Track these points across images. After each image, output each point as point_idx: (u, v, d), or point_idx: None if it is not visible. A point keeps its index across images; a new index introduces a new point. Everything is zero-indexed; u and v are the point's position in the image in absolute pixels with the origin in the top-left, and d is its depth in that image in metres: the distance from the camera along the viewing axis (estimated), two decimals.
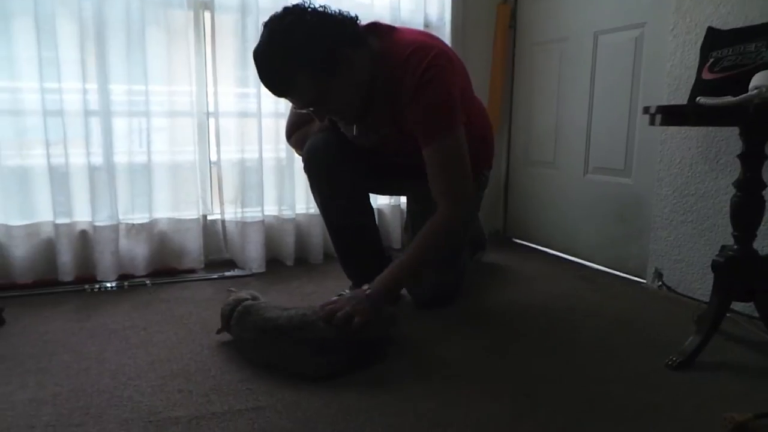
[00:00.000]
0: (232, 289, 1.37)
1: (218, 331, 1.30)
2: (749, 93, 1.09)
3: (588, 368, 1.21)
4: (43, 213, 1.77)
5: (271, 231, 2.05)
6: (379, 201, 2.21)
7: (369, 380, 1.14)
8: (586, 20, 2.07)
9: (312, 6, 1.23)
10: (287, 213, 2.05)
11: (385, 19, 2.04)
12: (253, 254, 1.97)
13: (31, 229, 1.76)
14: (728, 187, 1.47)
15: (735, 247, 1.23)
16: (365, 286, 1.27)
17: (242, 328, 1.23)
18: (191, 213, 1.95)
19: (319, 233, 2.08)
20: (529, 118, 2.41)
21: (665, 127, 1.71)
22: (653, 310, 1.60)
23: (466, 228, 1.45)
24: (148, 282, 1.82)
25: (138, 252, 1.87)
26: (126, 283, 1.80)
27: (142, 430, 0.95)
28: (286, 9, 1.23)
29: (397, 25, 1.42)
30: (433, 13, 2.27)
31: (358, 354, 1.18)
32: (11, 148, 1.72)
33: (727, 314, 1.28)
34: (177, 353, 1.27)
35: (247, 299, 1.29)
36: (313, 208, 2.01)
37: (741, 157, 1.20)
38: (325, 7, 1.25)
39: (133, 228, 1.86)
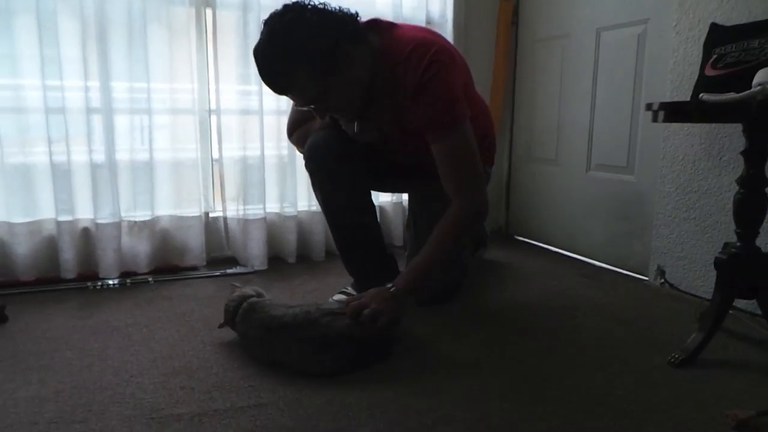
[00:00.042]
0: (237, 284, 1.37)
1: (220, 326, 1.31)
2: (752, 89, 1.08)
3: (590, 365, 1.21)
4: (46, 210, 1.77)
5: (273, 228, 2.05)
6: (381, 198, 2.21)
7: (371, 377, 1.14)
8: (588, 17, 2.07)
9: (312, 3, 1.23)
10: (289, 210, 2.05)
11: (387, 16, 2.04)
12: (255, 251, 1.97)
13: (34, 227, 1.77)
14: (731, 184, 1.46)
15: (738, 244, 1.22)
16: (388, 285, 1.27)
17: (247, 325, 1.23)
18: (193, 210, 1.95)
19: (321, 230, 2.08)
20: (531, 115, 2.41)
21: (668, 124, 1.70)
22: (655, 307, 1.60)
23: (482, 221, 1.45)
24: (150, 279, 1.83)
25: (140, 249, 1.87)
26: (128, 281, 1.80)
27: (145, 427, 0.95)
28: (286, 6, 1.23)
29: (398, 22, 1.41)
30: (435, 10, 2.26)
31: (362, 352, 1.18)
32: (14, 146, 1.72)
33: (730, 311, 1.27)
34: (179, 350, 1.27)
35: (252, 296, 1.29)
36: (315, 206, 2.01)
37: (744, 153, 1.20)
38: (325, 4, 1.25)
39: (135, 225, 1.87)
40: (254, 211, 1.98)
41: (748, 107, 1.09)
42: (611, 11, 1.97)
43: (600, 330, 1.42)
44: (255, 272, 1.94)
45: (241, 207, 1.99)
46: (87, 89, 1.74)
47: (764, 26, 1.33)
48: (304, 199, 2.09)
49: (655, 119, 1.20)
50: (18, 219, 1.74)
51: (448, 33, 2.25)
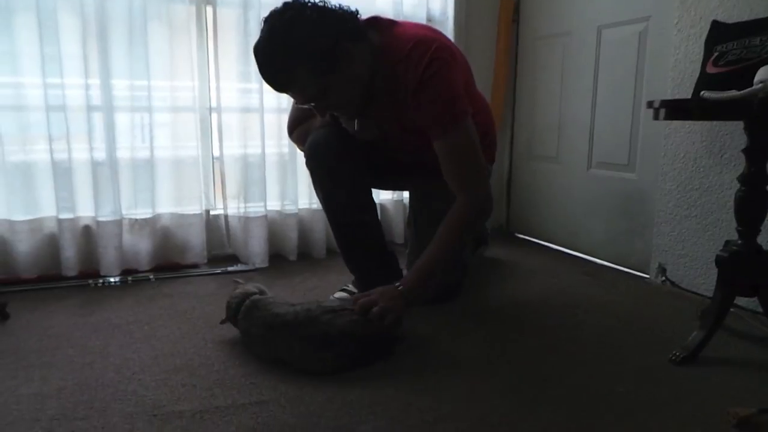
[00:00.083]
0: (239, 280, 1.37)
1: (222, 322, 1.31)
2: (754, 87, 1.08)
3: (591, 363, 1.21)
4: (47, 208, 1.77)
5: (273, 226, 2.05)
6: (381, 196, 2.21)
7: (372, 375, 1.14)
8: (589, 14, 2.06)
9: (312, 1, 1.23)
10: (290, 208, 2.05)
11: (388, 13, 2.04)
12: (256, 249, 1.97)
13: (35, 225, 1.77)
14: (732, 182, 1.46)
15: (739, 242, 1.22)
16: (396, 284, 1.28)
17: (250, 323, 1.23)
18: (194, 208, 1.95)
19: (321, 228, 2.08)
20: (532, 112, 2.40)
21: (669, 122, 1.70)
22: (656, 305, 1.60)
23: (487, 218, 1.45)
24: (151, 277, 1.83)
25: (141, 247, 1.88)
26: (129, 278, 1.80)
27: (147, 424, 0.96)
28: (286, 4, 1.23)
29: (399, 19, 1.41)
30: (436, 8, 2.26)
31: (364, 350, 1.18)
32: (14, 144, 1.72)
33: (731, 309, 1.27)
34: (180, 348, 1.27)
35: (254, 293, 1.29)
36: (316, 203, 2.01)
37: (745, 151, 1.20)
38: (325, 2, 1.24)
39: (136, 223, 1.87)
40: (255, 208, 1.98)
41: (750, 105, 1.08)
42: (612, 9, 1.97)
43: (601, 328, 1.42)
44: (256, 270, 1.94)
45: (242, 205, 1.99)
46: (88, 87, 1.74)
47: (766, 23, 1.32)
48: (305, 197, 2.09)
49: (656, 117, 1.20)
50: (19, 217, 1.74)
51: (448, 30, 2.24)
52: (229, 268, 1.94)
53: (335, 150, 1.46)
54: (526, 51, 2.42)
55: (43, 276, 1.78)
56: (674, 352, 1.22)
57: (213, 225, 2.05)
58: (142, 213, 1.87)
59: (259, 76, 1.26)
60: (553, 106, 2.26)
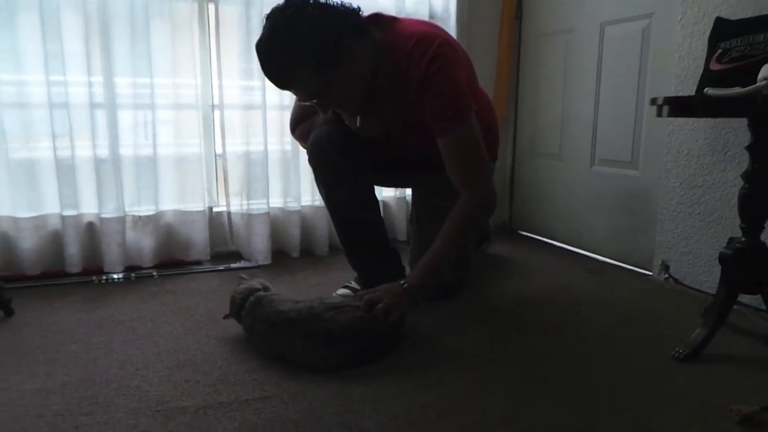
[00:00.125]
0: (244, 276, 1.37)
1: (225, 317, 1.31)
2: (758, 84, 1.08)
3: (593, 360, 1.21)
4: (50, 205, 1.78)
5: (276, 223, 2.05)
6: (384, 193, 2.21)
7: (374, 372, 1.14)
8: (592, 11, 2.06)
9: None
10: (293, 205, 2.05)
11: (390, 10, 2.03)
12: (259, 246, 1.98)
13: (39, 221, 1.78)
14: (736, 179, 1.46)
15: (742, 239, 1.22)
16: (401, 281, 1.28)
17: (254, 319, 1.24)
18: (197, 205, 1.95)
19: (324, 225, 2.09)
20: (534, 109, 2.40)
21: (672, 119, 1.69)
22: (660, 302, 1.59)
23: (491, 214, 1.45)
24: (154, 273, 1.83)
25: (144, 244, 1.88)
26: (133, 275, 1.81)
27: (150, 420, 0.96)
28: (287, 1, 1.22)
29: (401, 16, 1.41)
30: (438, 4, 2.26)
31: (368, 347, 1.19)
32: (18, 141, 1.73)
33: (734, 307, 1.27)
34: (184, 344, 1.28)
35: (258, 289, 1.30)
36: (319, 200, 2.01)
37: (749, 148, 1.19)
38: None
39: (139, 220, 1.87)
40: (258, 205, 1.99)
41: (754, 102, 1.08)
42: (615, 5, 1.96)
43: (604, 325, 1.42)
44: (259, 267, 1.95)
45: (244, 202, 1.99)
46: (90, 84, 1.75)
47: None
48: (307, 194, 2.09)
49: (659, 114, 1.19)
50: (23, 214, 1.75)
51: (451, 27, 2.24)
52: (232, 265, 1.94)
53: (338, 147, 1.46)
54: (528, 48, 2.41)
55: (47, 272, 1.79)
56: (677, 349, 1.22)
57: (216, 222, 2.05)
58: (146, 210, 1.88)
59: (262, 73, 1.26)
60: (556, 103, 2.25)
